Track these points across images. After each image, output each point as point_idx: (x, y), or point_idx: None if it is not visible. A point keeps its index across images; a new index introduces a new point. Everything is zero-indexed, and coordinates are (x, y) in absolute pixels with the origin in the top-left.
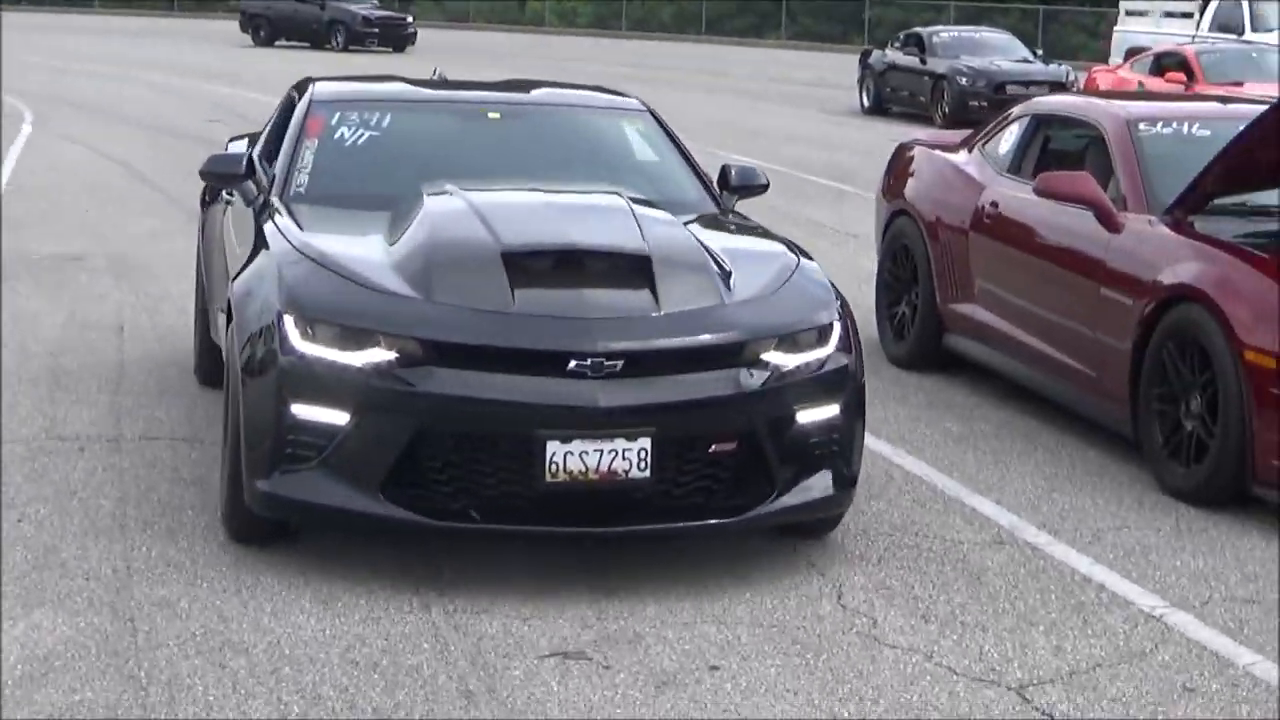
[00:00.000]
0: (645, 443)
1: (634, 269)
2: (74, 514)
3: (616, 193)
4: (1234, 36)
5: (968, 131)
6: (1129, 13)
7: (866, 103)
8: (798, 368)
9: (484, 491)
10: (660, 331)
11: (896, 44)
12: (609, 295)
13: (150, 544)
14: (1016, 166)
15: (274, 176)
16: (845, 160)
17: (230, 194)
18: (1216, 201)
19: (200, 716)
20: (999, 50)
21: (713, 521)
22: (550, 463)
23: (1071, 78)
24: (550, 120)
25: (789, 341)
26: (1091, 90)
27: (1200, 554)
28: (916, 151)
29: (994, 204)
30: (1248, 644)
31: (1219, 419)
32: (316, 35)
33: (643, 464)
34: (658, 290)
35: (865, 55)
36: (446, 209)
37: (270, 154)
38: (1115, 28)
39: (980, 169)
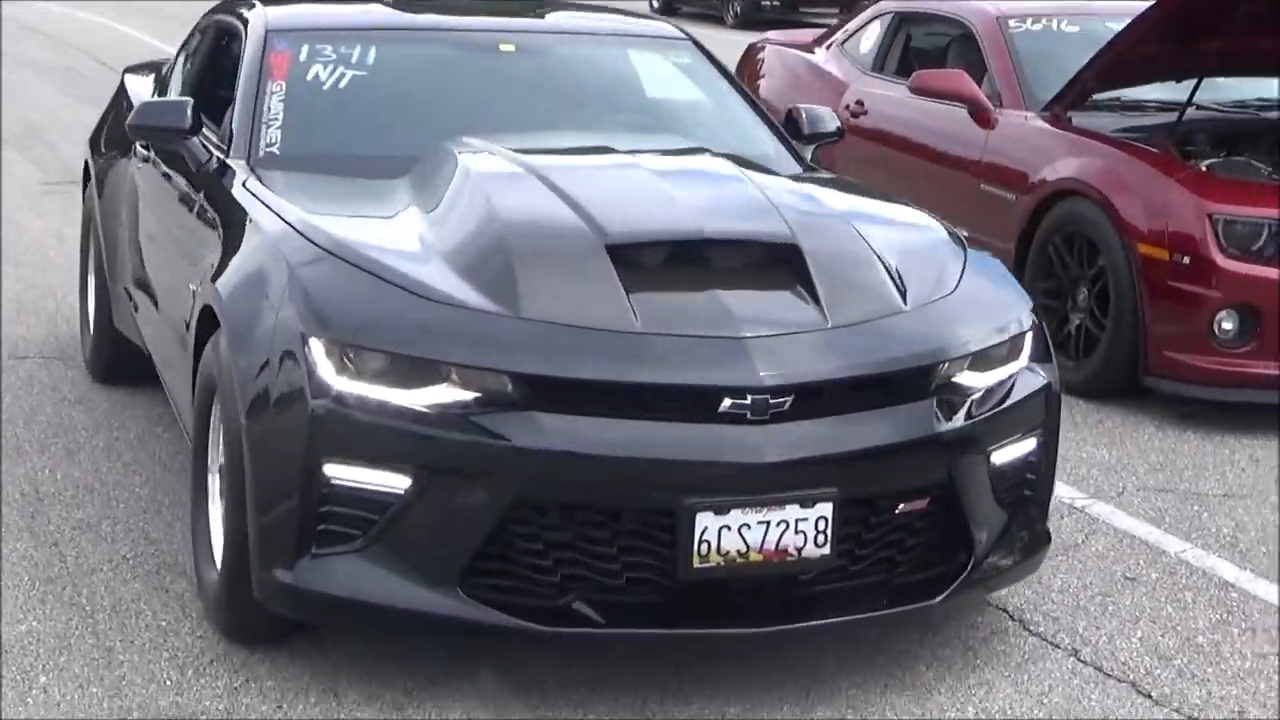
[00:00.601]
0: (826, 508)
1: (780, 264)
2: None
3: (704, 149)
4: None
5: (820, 30)
6: None
7: (656, 4)
8: (992, 390)
9: (603, 582)
10: (836, 353)
11: None
12: (759, 304)
13: (54, 465)
14: (880, 65)
15: (230, 132)
16: None
17: (146, 148)
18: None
19: (158, 640)
20: None
21: (909, 607)
22: (700, 542)
23: None
24: (576, 53)
25: (982, 358)
26: None
27: (1104, 446)
28: (768, 51)
29: (859, 103)
30: (1173, 532)
31: (1110, 312)
32: None
33: (821, 536)
34: (818, 294)
35: None
36: (507, 181)
37: (204, 99)
38: None
39: (841, 67)
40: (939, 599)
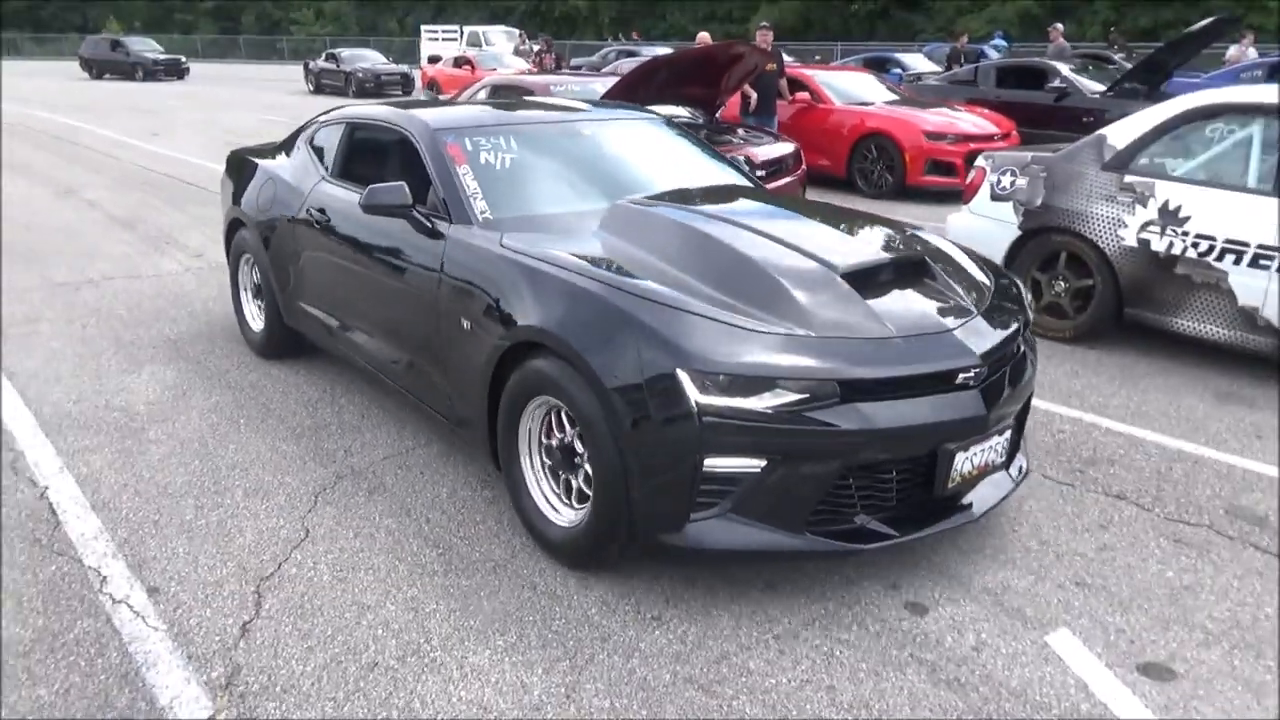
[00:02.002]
0: (1006, 434)
1: (920, 271)
2: None
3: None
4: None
5: None
6: (428, 36)
7: (311, 88)
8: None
9: (890, 508)
10: (993, 328)
11: (323, 57)
12: (940, 302)
13: None
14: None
15: (441, 205)
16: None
17: (320, 211)
18: None
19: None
20: (371, 59)
21: (1020, 483)
22: (955, 472)
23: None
24: (620, 133)
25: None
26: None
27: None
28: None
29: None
30: None
31: None
32: (126, 71)
33: (1000, 451)
34: (955, 288)
35: (306, 65)
36: (730, 230)
37: (366, 181)
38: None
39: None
40: (1024, 477)
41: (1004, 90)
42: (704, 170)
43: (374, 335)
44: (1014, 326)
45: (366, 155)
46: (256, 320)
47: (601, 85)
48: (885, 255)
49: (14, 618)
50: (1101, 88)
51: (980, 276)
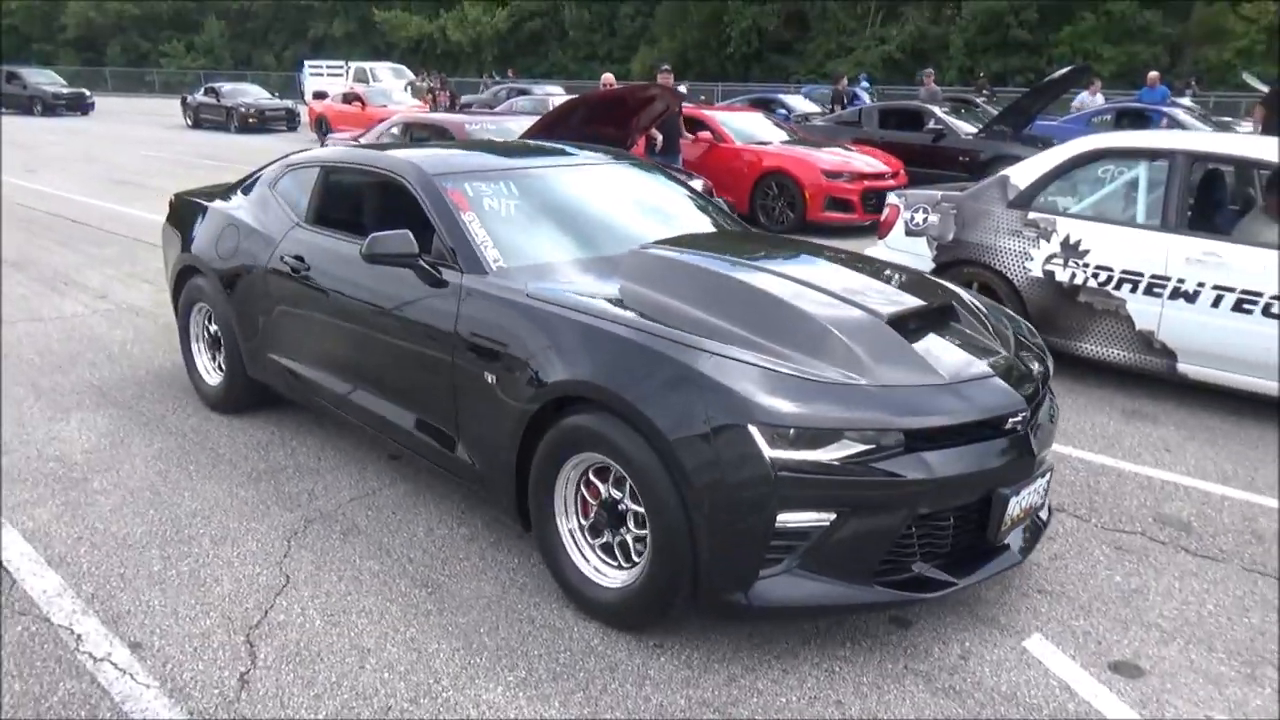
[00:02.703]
0: (1049, 476)
1: (948, 315)
2: None
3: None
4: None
5: None
6: (311, 71)
7: (190, 122)
8: None
9: (944, 554)
10: (1025, 372)
11: (201, 91)
12: (975, 347)
13: None
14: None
15: (449, 253)
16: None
17: (297, 259)
18: None
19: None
20: (254, 94)
21: (1048, 524)
22: (1005, 515)
23: (297, 107)
24: (608, 176)
25: None
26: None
27: None
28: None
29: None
30: None
31: None
32: (23, 105)
33: (1043, 493)
34: (983, 332)
35: (184, 99)
36: (768, 279)
37: (351, 226)
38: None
39: None
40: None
41: (886, 131)
42: (692, 213)
43: (368, 389)
44: (1041, 369)
45: (345, 200)
46: (211, 373)
47: (515, 124)
48: (920, 301)
49: None
50: (974, 129)
51: (997, 320)
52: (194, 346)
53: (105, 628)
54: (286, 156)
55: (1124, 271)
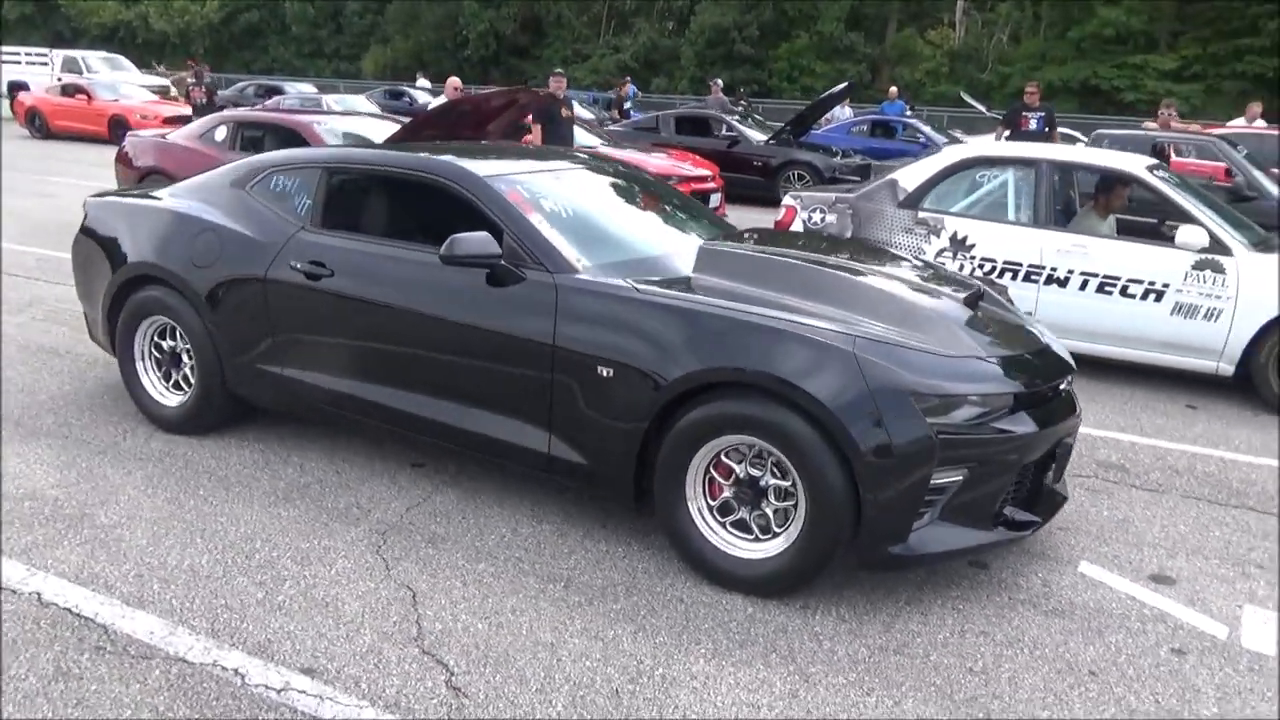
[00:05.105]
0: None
1: (986, 299)
2: None
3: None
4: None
5: None
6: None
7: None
8: None
9: (1022, 497)
10: (1056, 339)
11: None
12: (1019, 321)
13: None
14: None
15: (528, 256)
16: None
17: (315, 265)
18: None
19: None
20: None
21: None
22: (1065, 460)
23: None
24: (616, 179)
25: None
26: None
27: None
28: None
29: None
30: None
31: None
32: None
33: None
34: (1010, 311)
35: None
36: (828, 267)
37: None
38: None
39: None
40: None
41: (683, 136)
42: (695, 213)
43: (423, 395)
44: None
45: (367, 203)
46: (165, 393)
47: (365, 123)
48: (971, 283)
49: None
50: (764, 137)
51: (1001, 296)
52: (139, 365)
53: (258, 659)
54: (263, 156)
55: (1006, 261)
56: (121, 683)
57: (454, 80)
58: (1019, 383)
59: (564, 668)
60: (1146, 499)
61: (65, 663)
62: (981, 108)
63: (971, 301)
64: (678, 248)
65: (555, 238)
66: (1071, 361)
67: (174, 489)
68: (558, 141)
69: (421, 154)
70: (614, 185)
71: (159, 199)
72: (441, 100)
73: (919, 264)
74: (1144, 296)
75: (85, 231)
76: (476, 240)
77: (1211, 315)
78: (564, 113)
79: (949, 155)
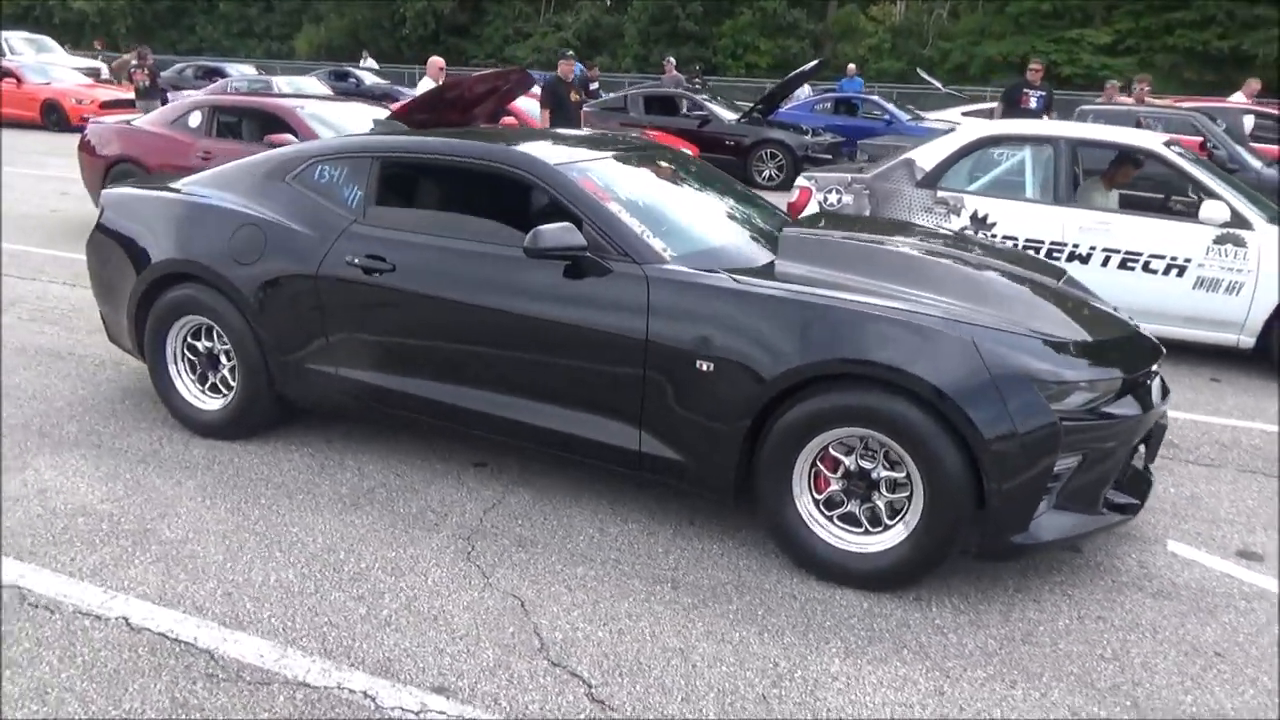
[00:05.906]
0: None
1: (1073, 284)
2: None
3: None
4: None
5: None
6: None
7: None
8: None
9: (1116, 480)
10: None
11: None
12: (1105, 306)
13: None
14: None
15: (614, 246)
16: None
17: (374, 259)
18: None
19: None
20: None
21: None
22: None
23: None
24: (662, 165)
25: None
26: None
27: None
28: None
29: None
30: None
31: None
32: None
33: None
34: (1090, 295)
35: None
36: (928, 254)
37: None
38: None
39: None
40: None
41: (653, 116)
42: (745, 198)
43: (498, 393)
44: None
45: (417, 194)
46: (202, 397)
47: (348, 109)
48: (1054, 266)
49: None
50: (734, 116)
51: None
52: (171, 369)
53: (383, 679)
54: (304, 145)
55: (1028, 239)
56: (247, 711)
57: (437, 60)
58: (1124, 367)
59: (702, 674)
60: (1206, 474)
61: (179, 693)
62: (938, 84)
63: (1064, 286)
64: (743, 234)
65: (639, 227)
66: (1160, 345)
67: (234, 499)
68: (567, 120)
69: (480, 141)
70: (668, 170)
71: (183, 192)
72: (425, 83)
73: (999, 245)
74: (1166, 271)
75: (102, 229)
76: (560, 231)
77: (1233, 289)
78: (573, 96)
79: (966, 133)
